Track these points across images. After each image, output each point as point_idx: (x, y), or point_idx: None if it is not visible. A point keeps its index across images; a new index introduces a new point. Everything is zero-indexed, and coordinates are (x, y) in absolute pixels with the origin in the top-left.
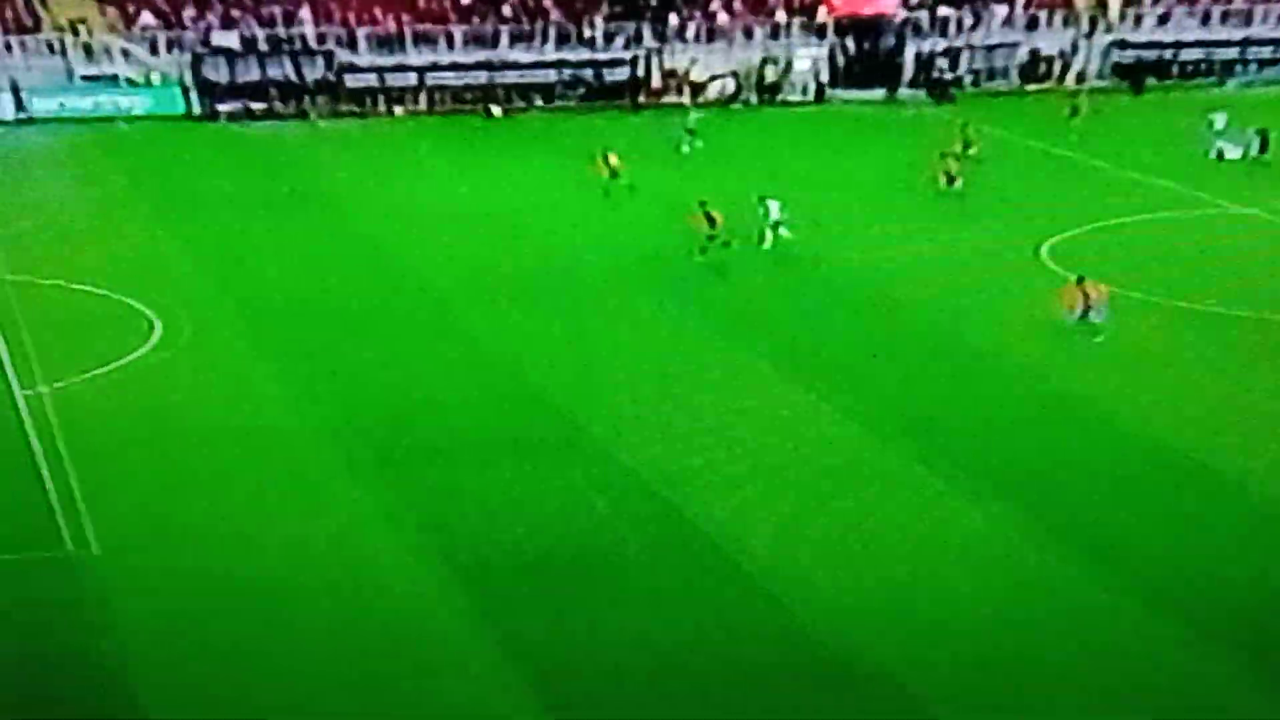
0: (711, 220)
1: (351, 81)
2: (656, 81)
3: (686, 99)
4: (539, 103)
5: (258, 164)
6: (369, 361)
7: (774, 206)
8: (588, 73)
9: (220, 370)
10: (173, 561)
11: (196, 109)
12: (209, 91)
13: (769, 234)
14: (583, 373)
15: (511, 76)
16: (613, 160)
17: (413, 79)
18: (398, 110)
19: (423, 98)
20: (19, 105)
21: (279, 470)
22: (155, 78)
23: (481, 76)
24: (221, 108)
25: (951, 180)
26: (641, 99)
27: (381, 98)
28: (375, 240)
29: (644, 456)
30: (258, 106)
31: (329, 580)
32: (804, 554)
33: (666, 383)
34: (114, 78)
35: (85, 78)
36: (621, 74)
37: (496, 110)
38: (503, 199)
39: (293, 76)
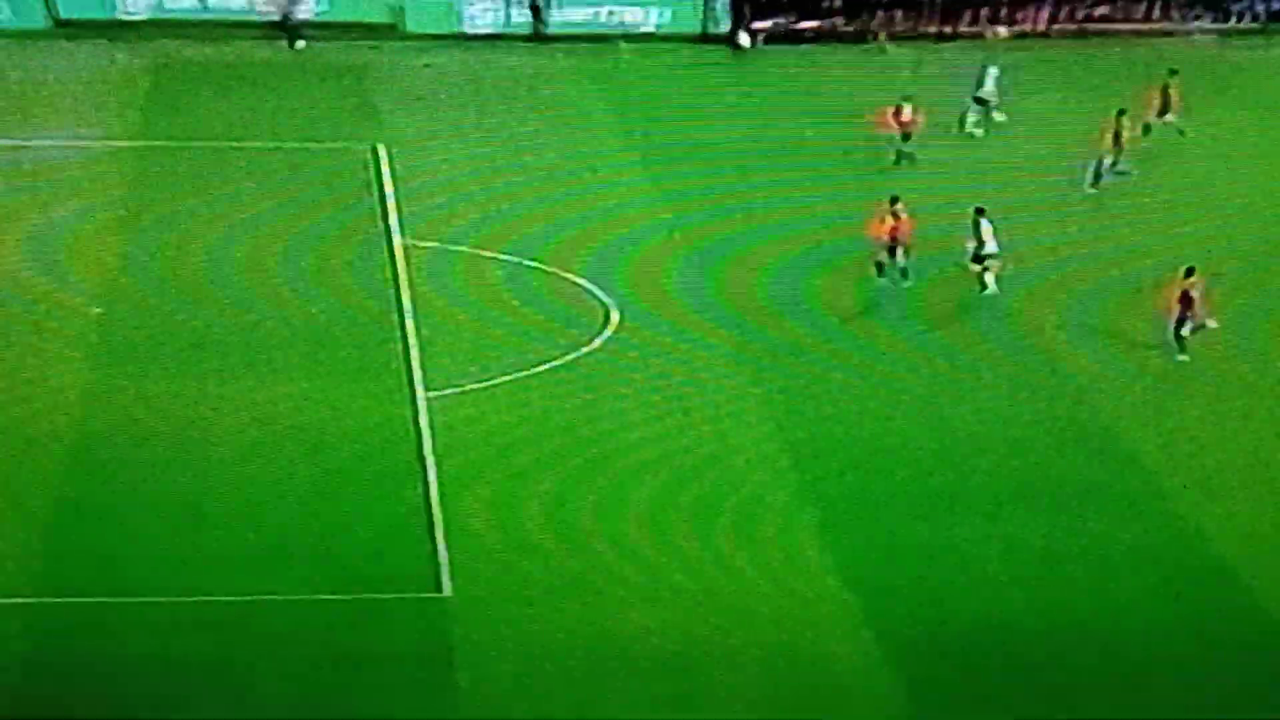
0: (894, 238)
1: None
2: None
3: None
4: (1203, 25)
5: (794, 105)
6: (870, 378)
7: (986, 229)
8: None
9: (678, 377)
10: (544, 612)
11: (723, 27)
12: (741, 5)
13: (985, 275)
14: (1143, 407)
15: None
16: (905, 115)
17: None
18: (1000, 30)
19: (1044, 14)
20: (536, 14)
21: (713, 509)
22: None
23: None
24: (757, 26)
25: None
26: None
27: (984, 12)
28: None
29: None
30: (805, 26)
31: (745, 647)
32: None
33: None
34: None
35: None
36: None
37: (887, 41)
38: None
39: None
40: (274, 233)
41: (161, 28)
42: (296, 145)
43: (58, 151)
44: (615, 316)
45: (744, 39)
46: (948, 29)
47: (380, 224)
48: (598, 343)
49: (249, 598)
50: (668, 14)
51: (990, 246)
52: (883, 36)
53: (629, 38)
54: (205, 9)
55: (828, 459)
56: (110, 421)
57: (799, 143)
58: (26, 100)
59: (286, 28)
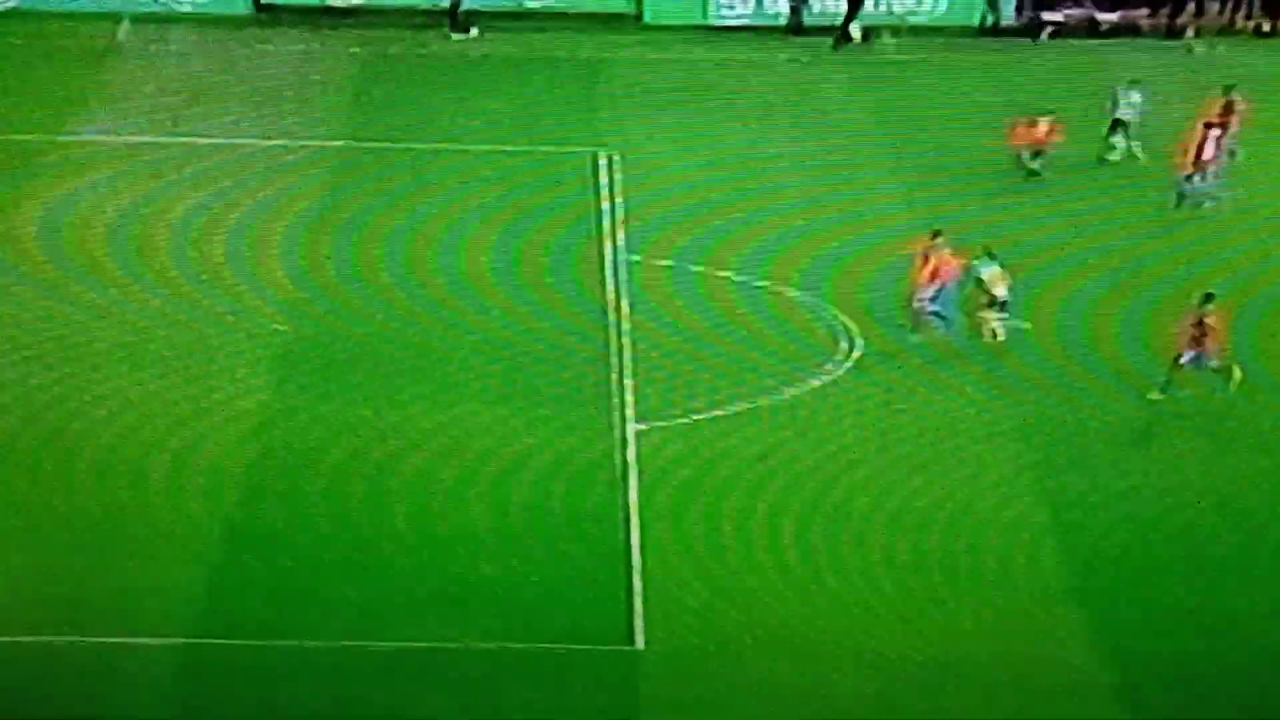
0: (934, 279)
1: None
2: None
3: None
4: None
5: (1083, 111)
6: (1145, 433)
7: (992, 274)
8: None
9: (925, 418)
10: (746, 672)
11: (1009, 16)
12: None
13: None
14: None
15: None
16: (1041, 130)
17: None
18: None
19: None
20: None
21: (951, 567)
22: None
23: None
24: (1048, 17)
25: None
26: None
27: None
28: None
29: None
30: (1105, 18)
31: None
32: None
33: None
34: None
35: None
36: None
37: (1194, 38)
38: None
39: None
40: (478, 244)
41: (372, 15)
42: (512, 148)
43: (249, 151)
44: (859, 347)
45: (855, 31)
46: (1266, 26)
47: (596, 236)
48: (834, 375)
49: (425, 644)
50: (943, 3)
51: (1001, 293)
52: (1190, 33)
53: (897, 30)
54: None
55: (1091, 518)
56: (284, 447)
57: (1093, 158)
58: (219, 93)
59: (452, 13)
